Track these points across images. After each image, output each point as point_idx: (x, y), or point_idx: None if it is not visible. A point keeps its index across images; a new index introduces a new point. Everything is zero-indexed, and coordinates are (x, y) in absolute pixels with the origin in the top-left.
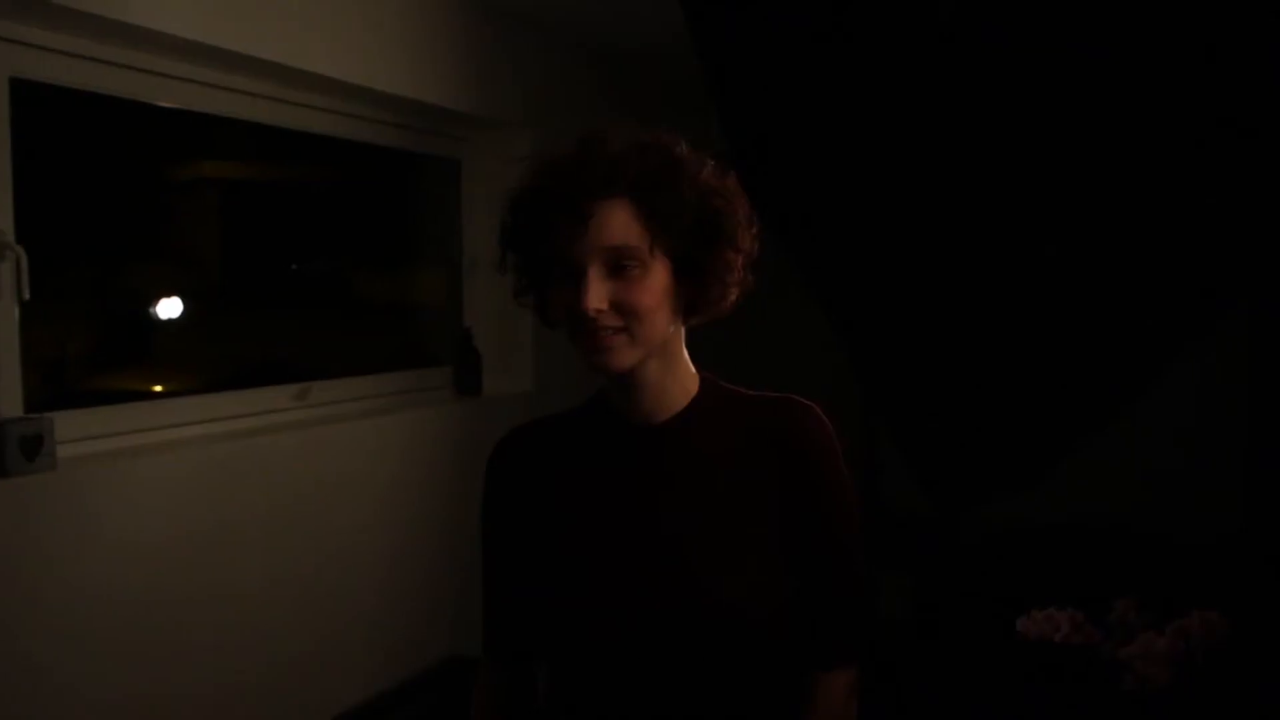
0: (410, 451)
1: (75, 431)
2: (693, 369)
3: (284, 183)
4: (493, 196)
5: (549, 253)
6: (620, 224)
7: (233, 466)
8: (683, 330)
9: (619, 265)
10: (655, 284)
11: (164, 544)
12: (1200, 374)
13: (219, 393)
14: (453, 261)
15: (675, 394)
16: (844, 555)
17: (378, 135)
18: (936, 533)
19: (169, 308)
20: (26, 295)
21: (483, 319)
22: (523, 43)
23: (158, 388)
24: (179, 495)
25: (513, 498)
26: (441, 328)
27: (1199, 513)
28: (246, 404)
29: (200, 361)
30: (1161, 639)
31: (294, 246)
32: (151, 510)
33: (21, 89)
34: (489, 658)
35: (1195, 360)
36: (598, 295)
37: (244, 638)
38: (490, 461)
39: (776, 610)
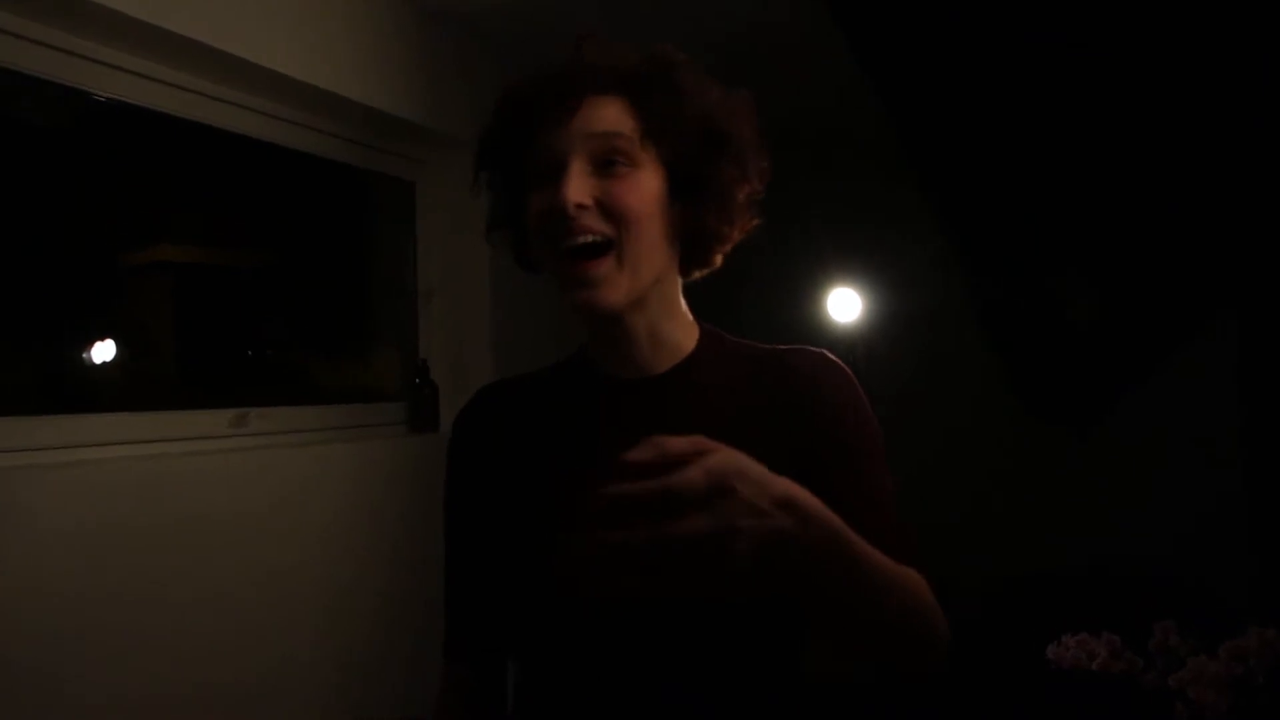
0: (357, 489)
1: None
2: (691, 318)
3: (236, 267)
4: (449, 224)
5: (530, 160)
6: (610, 115)
7: (157, 489)
8: (679, 276)
9: (607, 162)
10: (646, 186)
11: (71, 567)
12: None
13: (147, 412)
14: (408, 290)
15: (672, 345)
16: (881, 500)
17: (326, 147)
18: (948, 585)
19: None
20: None
21: (440, 351)
22: (479, 59)
23: None
24: (92, 516)
25: (481, 468)
26: (395, 360)
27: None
28: (178, 426)
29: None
30: (1215, 662)
31: (249, 329)
32: (58, 531)
33: None
34: (451, 659)
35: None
36: (579, 188)
37: (153, 682)
38: (454, 427)
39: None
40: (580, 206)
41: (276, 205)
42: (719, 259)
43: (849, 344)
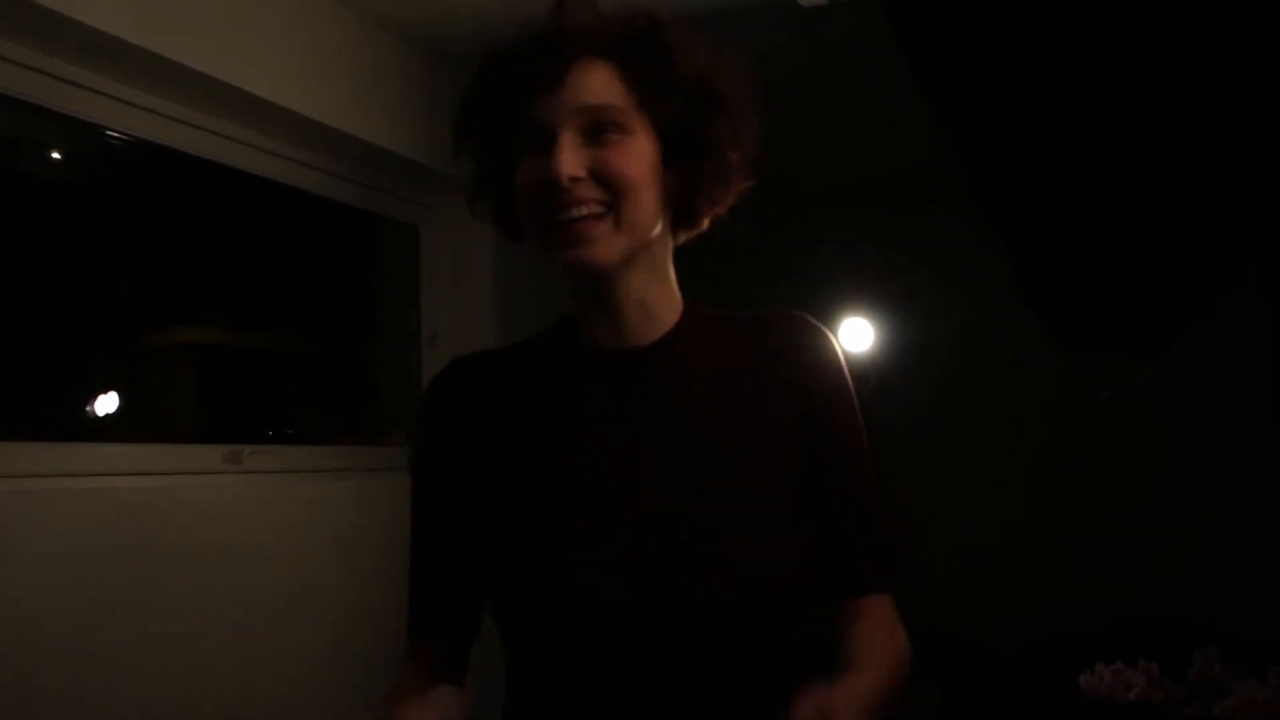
0: (356, 525)
1: None
2: (676, 289)
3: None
4: (452, 267)
5: (515, 126)
6: (600, 83)
7: (155, 516)
8: (670, 241)
9: (598, 131)
10: (641, 154)
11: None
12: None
13: (143, 444)
14: (412, 334)
15: (660, 314)
16: (867, 483)
17: (331, 187)
18: (959, 644)
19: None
20: None
21: None
22: None
23: None
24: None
25: (456, 438)
26: (398, 403)
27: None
28: (171, 459)
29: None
30: (1265, 690)
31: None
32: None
33: None
34: (415, 636)
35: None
36: (572, 160)
37: (148, 707)
38: (426, 397)
39: (798, 575)
40: (574, 179)
41: (283, 248)
42: (708, 222)
43: (861, 374)
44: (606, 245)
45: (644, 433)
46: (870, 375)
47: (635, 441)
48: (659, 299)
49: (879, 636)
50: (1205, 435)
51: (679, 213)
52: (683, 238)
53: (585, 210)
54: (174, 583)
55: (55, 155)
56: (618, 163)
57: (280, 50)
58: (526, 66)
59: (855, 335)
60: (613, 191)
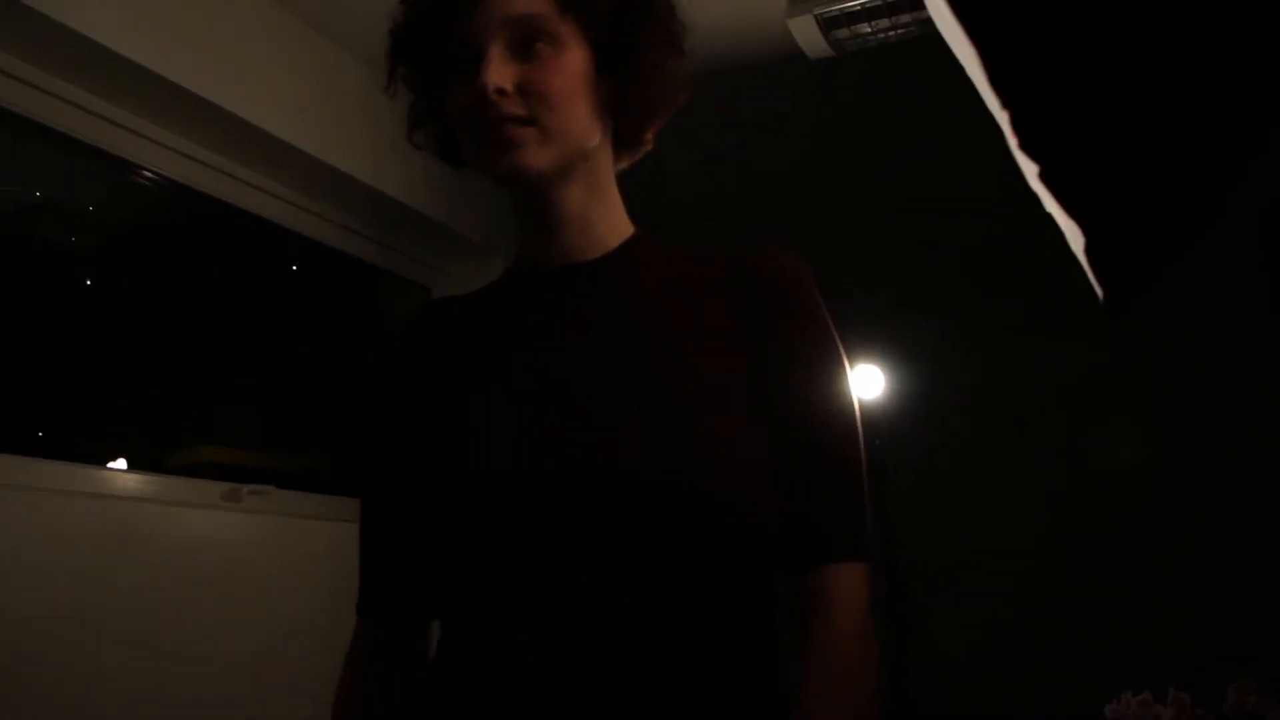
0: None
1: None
2: (624, 213)
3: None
4: None
5: (447, 50)
6: None
7: (154, 537)
8: (611, 157)
9: (526, 43)
10: (570, 65)
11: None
12: None
13: (142, 473)
14: None
15: (603, 231)
16: (841, 427)
17: (347, 241)
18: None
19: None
20: None
21: None
22: None
23: None
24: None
25: (406, 380)
26: None
27: None
28: (170, 489)
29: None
30: None
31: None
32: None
33: None
34: (366, 614)
35: None
36: (499, 73)
37: None
38: (378, 350)
39: (753, 488)
40: (500, 91)
41: (297, 300)
42: (650, 137)
43: (871, 422)
44: (534, 154)
45: (577, 342)
46: (881, 423)
47: (567, 351)
48: (602, 218)
49: (844, 660)
50: (1229, 488)
51: (618, 125)
52: (625, 159)
53: (513, 118)
54: (166, 603)
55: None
56: (544, 75)
57: (304, 99)
58: None
59: (866, 382)
60: (539, 105)
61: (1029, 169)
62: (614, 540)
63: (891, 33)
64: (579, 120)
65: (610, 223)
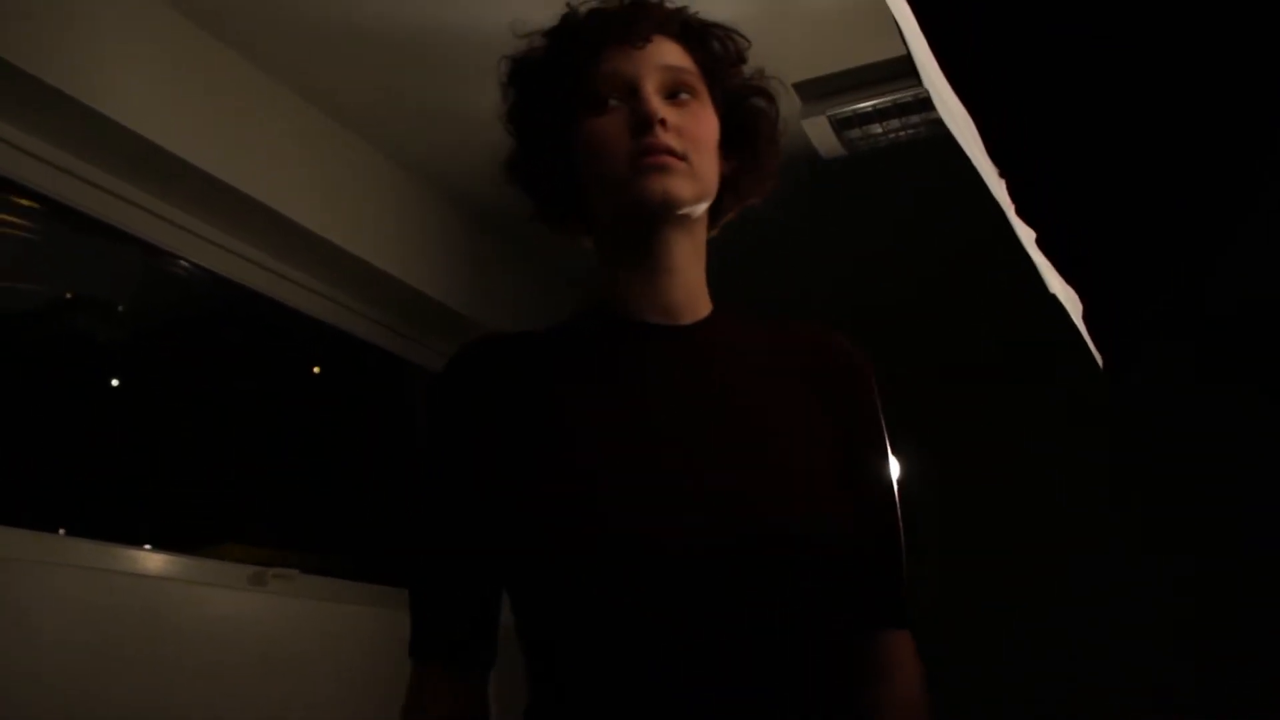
0: (377, 654)
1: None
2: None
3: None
4: None
5: (587, 82)
6: (677, 53)
7: (174, 616)
8: (706, 229)
9: (672, 93)
10: (711, 121)
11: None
12: None
13: (163, 552)
14: None
15: (698, 296)
16: (892, 503)
17: (372, 331)
18: None
19: None
20: None
21: None
22: (523, 261)
23: None
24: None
25: (479, 420)
26: None
27: None
28: (194, 570)
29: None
30: None
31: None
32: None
33: None
34: (426, 659)
35: None
36: (661, 107)
37: None
38: (442, 377)
39: (848, 549)
40: (663, 122)
41: (322, 387)
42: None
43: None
44: (684, 184)
45: (689, 400)
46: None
47: (679, 408)
48: (698, 281)
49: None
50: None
51: (721, 202)
52: (712, 230)
53: (670, 148)
54: (190, 684)
55: (123, 298)
56: (693, 123)
57: (336, 194)
58: (608, 31)
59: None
60: (690, 145)
61: (1026, 235)
62: (753, 598)
63: (902, 133)
64: (715, 172)
65: (701, 289)
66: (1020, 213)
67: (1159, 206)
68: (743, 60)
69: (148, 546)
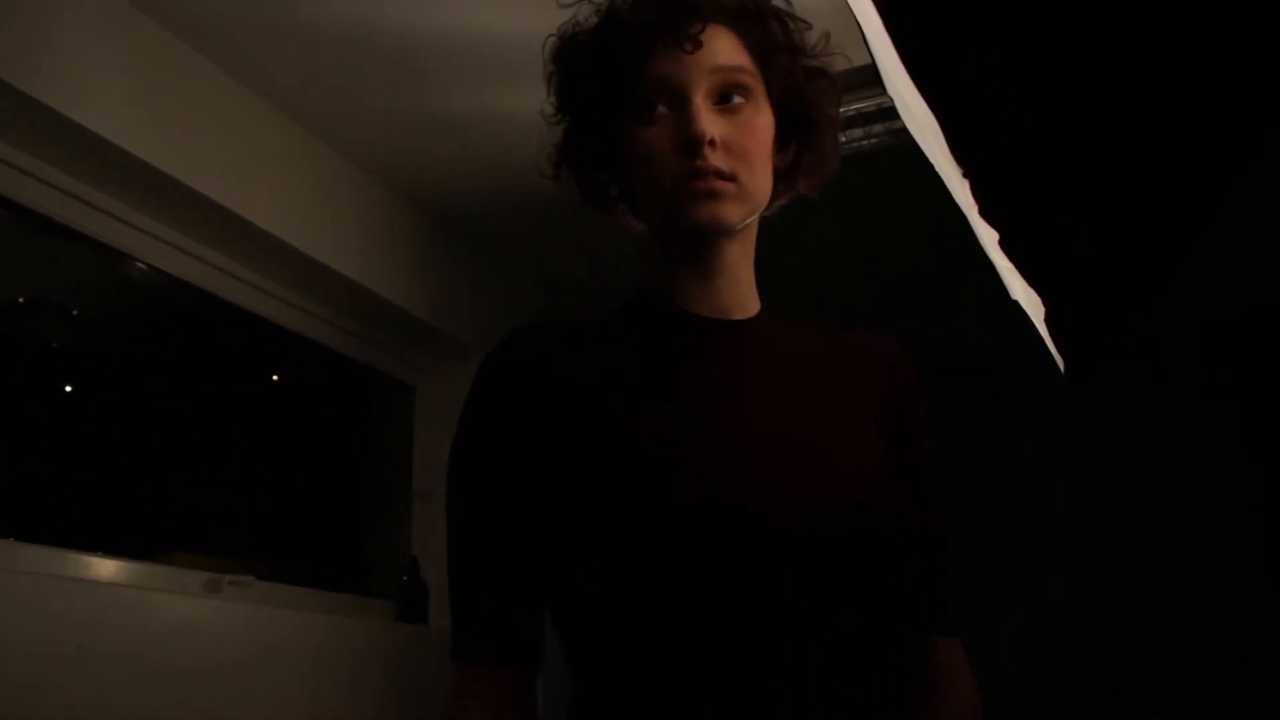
0: (337, 660)
1: None
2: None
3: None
4: (447, 429)
5: (635, 82)
6: (729, 48)
7: (128, 622)
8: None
9: (725, 95)
10: (764, 129)
11: None
12: None
13: (123, 559)
14: (403, 489)
15: (748, 293)
16: (938, 513)
17: (335, 338)
18: None
19: None
20: None
21: (431, 550)
22: (485, 269)
23: None
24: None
25: (529, 411)
26: (383, 556)
27: None
28: (148, 577)
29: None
30: None
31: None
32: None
33: None
34: (474, 659)
35: None
36: (711, 124)
37: None
38: (488, 366)
39: (917, 549)
40: (713, 142)
41: (285, 395)
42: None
43: None
44: (732, 208)
45: (763, 396)
46: None
47: (756, 403)
48: (748, 279)
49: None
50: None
51: (786, 185)
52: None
53: (718, 171)
54: (144, 690)
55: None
56: (745, 136)
57: (297, 197)
58: (657, 22)
59: None
60: (740, 163)
61: (989, 237)
62: (837, 594)
63: (865, 142)
64: (767, 183)
65: (750, 286)
66: (984, 213)
67: (1123, 211)
68: (802, 48)
69: (99, 553)
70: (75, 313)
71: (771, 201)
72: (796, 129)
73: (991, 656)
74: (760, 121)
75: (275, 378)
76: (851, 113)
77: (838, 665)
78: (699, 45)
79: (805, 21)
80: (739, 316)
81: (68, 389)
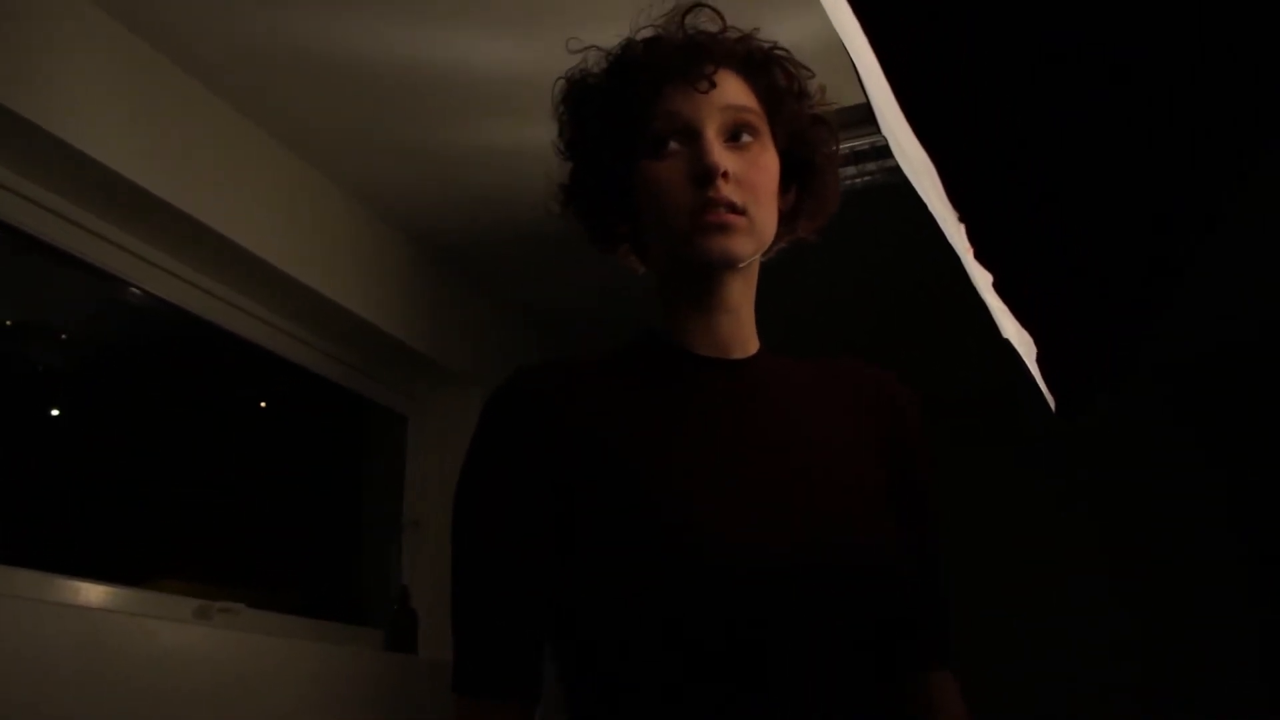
0: (325, 690)
1: None
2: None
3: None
4: (438, 459)
5: (647, 119)
6: (739, 89)
7: (115, 647)
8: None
9: (734, 134)
10: (771, 166)
11: None
12: None
13: (105, 584)
14: (393, 517)
15: (748, 332)
16: (939, 542)
17: (329, 367)
18: None
19: None
20: None
21: (421, 579)
22: (472, 298)
23: None
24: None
25: (536, 447)
26: (372, 584)
27: None
28: (135, 602)
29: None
30: None
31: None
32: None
33: None
34: (474, 692)
35: None
36: (724, 158)
37: None
38: (494, 403)
39: (910, 584)
40: (726, 175)
41: (278, 423)
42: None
43: None
44: (742, 241)
45: (761, 435)
46: None
47: (754, 442)
48: (749, 318)
49: None
50: None
51: (787, 226)
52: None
53: (730, 204)
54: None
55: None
56: (754, 173)
57: (293, 225)
58: (668, 65)
59: None
60: (749, 197)
61: (983, 280)
62: (832, 630)
63: (858, 179)
64: (774, 221)
65: (750, 326)
66: (979, 256)
67: (1115, 254)
68: (805, 95)
69: (90, 579)
70: (65, 336)
71: (773, 244)
72: (799, 172)
73: (990, 684)
74: (768, 160)
75: (268, 405)
76: (845, 150)
77: (835, 701)
78: (713, 85)
79: (809, 70)
80: (739, 355)
81: (57, 413)
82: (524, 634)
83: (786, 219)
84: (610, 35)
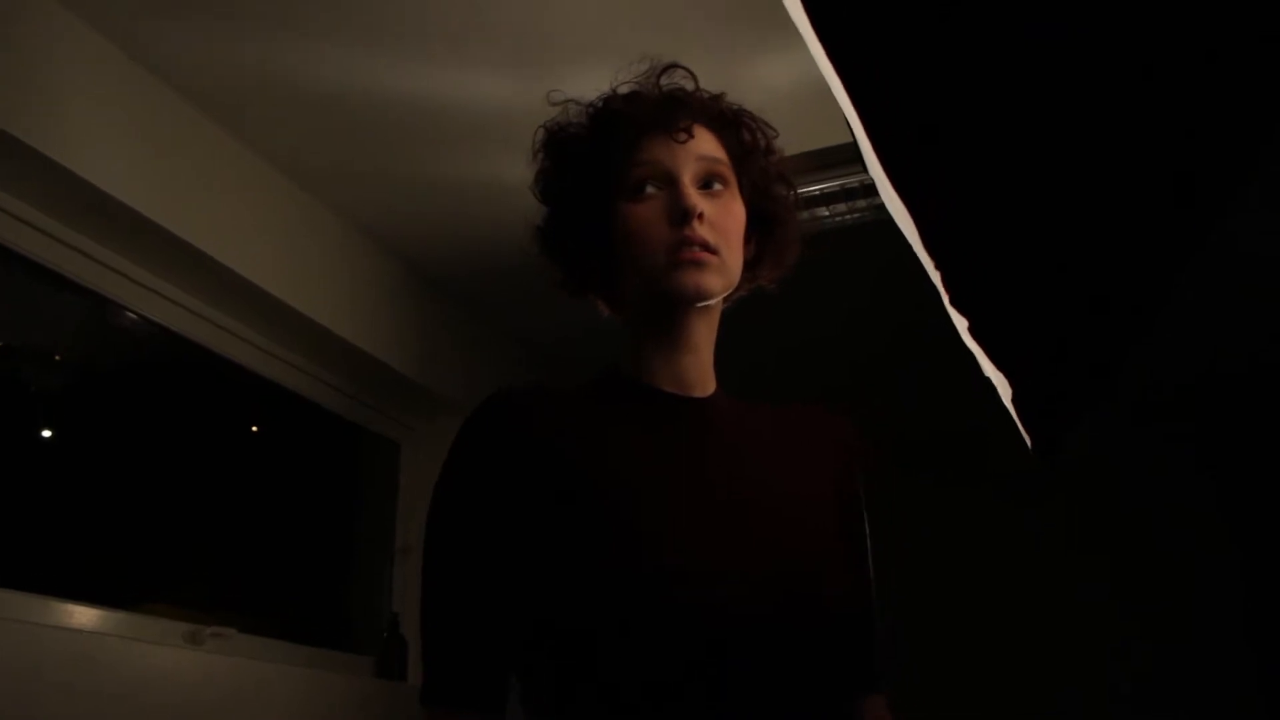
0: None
1: None
2: None
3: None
4: (430, 486)
5: (625, 167)
6: (712, 143)
7: (106, 671)
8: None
9: (707, 184)
10: (739, 213)
11: None
12: None
13: (104, 608)
14: (385, 545)
15: (709, 371)
16: (871, 577)
17: (323, 394)
18: None
19: None
20: None
21: (412, 607)
22: (465, 327)
23: None
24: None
25: (508, 466)
26: (367, 613)
27: None
28: (126, 626)
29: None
30: None
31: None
32: None
33: None
34: (441, 703)
35: None
36: (699, 201)
37: None
38: (471, 422)
39: (860, 616)
40: (701, 215)
41: (271, 449)
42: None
43: None
44: (714, 279)
45: (720, 468)
46: None
47: (714, 474)
48: (709, 359)
49: None
50: None
51: (750, 274)
52: (742, 290)
53: (704, 243)
54: None
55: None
56: (724, 218)
57: (288, 252)
58: (647, 118)
59: None
60: (721, 239)
61: (960, 324)
62: (788, 660)
63: (848, 216)
64: (739, 263)
65: (710, 368)
66: (954, 302)
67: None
68: (771, 151)
69: (81, 601)
70: (58, 358)
71: (735, 290)
72: (761, 223)
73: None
74: (737, 207)
75: (260, 430)
76: (834, 188)
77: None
78: (690, 136)
79: (773, 129)
80: (700, 394)
81: (49, 434)
82: (490, 647)
83: (749, 266)
84: (597, 73)
